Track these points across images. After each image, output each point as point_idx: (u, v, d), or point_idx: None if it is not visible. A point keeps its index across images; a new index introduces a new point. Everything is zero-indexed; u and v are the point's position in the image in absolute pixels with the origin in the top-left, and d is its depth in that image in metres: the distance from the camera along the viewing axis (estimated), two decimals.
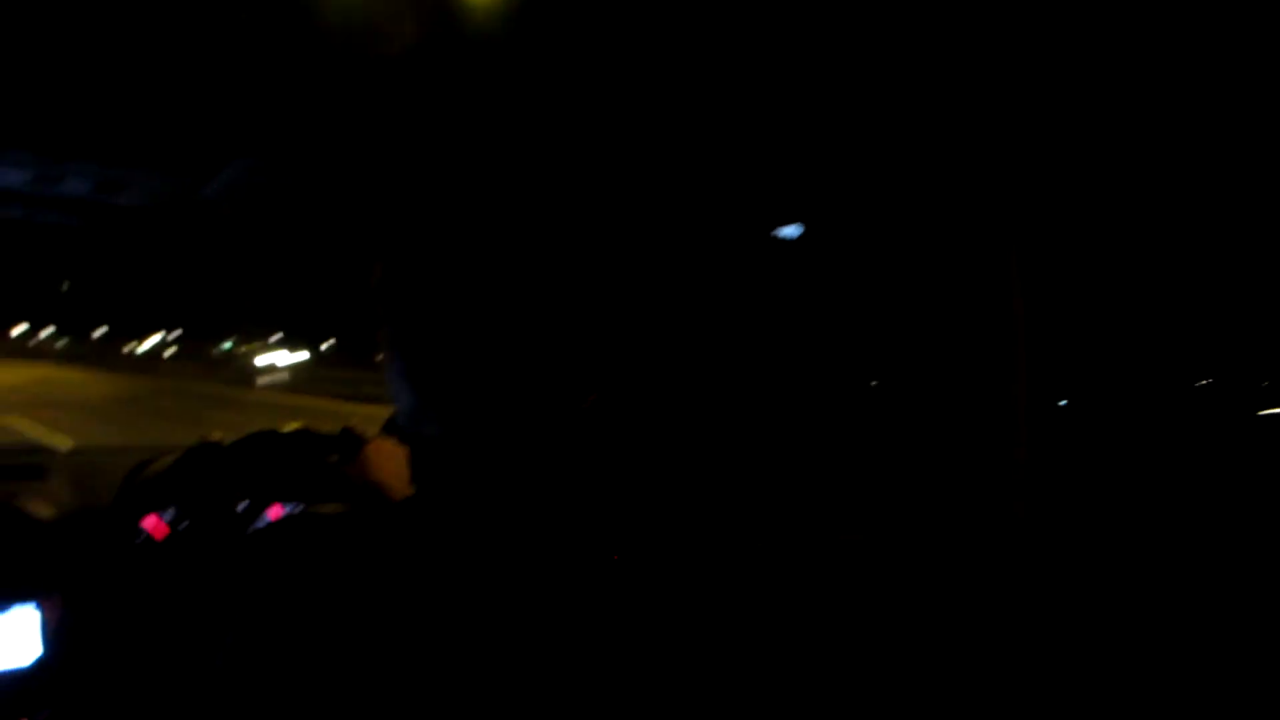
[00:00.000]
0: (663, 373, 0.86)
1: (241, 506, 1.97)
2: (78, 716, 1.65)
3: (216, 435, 1.87)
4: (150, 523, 1.86)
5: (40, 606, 1.67)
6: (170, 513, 1.89)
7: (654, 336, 0.84)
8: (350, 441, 1.83)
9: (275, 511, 2.03)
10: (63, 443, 2.24)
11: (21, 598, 1.66)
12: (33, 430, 12.38)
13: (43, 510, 1.73)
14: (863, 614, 0.80)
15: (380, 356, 0.79)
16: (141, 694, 1.64)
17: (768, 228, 0.99)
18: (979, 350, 0.92)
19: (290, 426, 1.89)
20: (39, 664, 1.65)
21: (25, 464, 1.84)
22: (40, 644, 1.66)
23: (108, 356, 49.01)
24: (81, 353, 53.32)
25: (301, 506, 2.07)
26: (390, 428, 2.23)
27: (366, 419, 1.96)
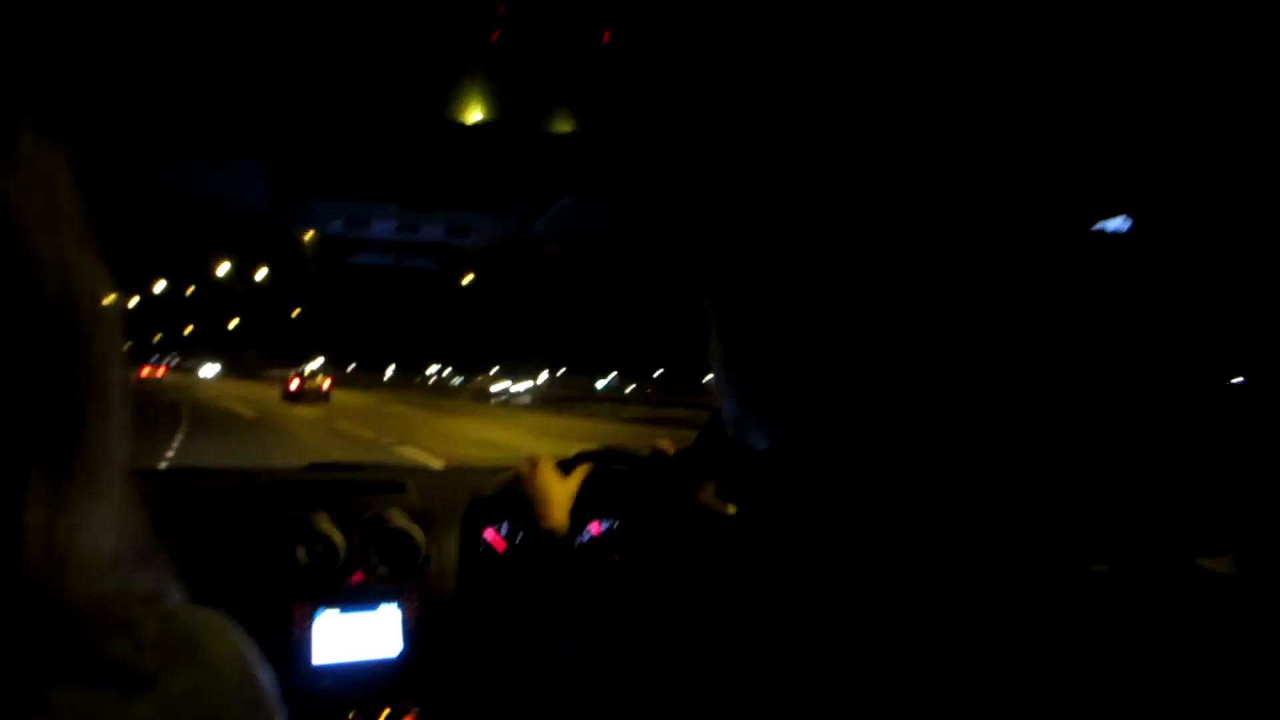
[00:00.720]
0: (983, 387, 0.79)
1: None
2: (433, 705, 1.85)
3: (543, 458, 2.02)
4: (489, 535, 2.06)
5: (402, 605, 1.90)
6: (505, 527, 2.07)
7: (975, 348, 0.78)
8: (660, 460, 1.91)
9: (595, 527, 2.16)
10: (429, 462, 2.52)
11: (387, 598, 1.89)
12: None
13: (401, 521, 1.95)
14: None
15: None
16: (488, 688, 1.81)
17: (1089, 221, 0.88)
18: None
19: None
20: (400, 657, 1.86)
21: (387, 480, 2.10)
22: (401, 639, 1.87)
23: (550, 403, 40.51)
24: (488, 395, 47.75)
25: (616, 523, 2.20)
26: (700, 445, 2.30)
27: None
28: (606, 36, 1.24)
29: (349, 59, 1.14)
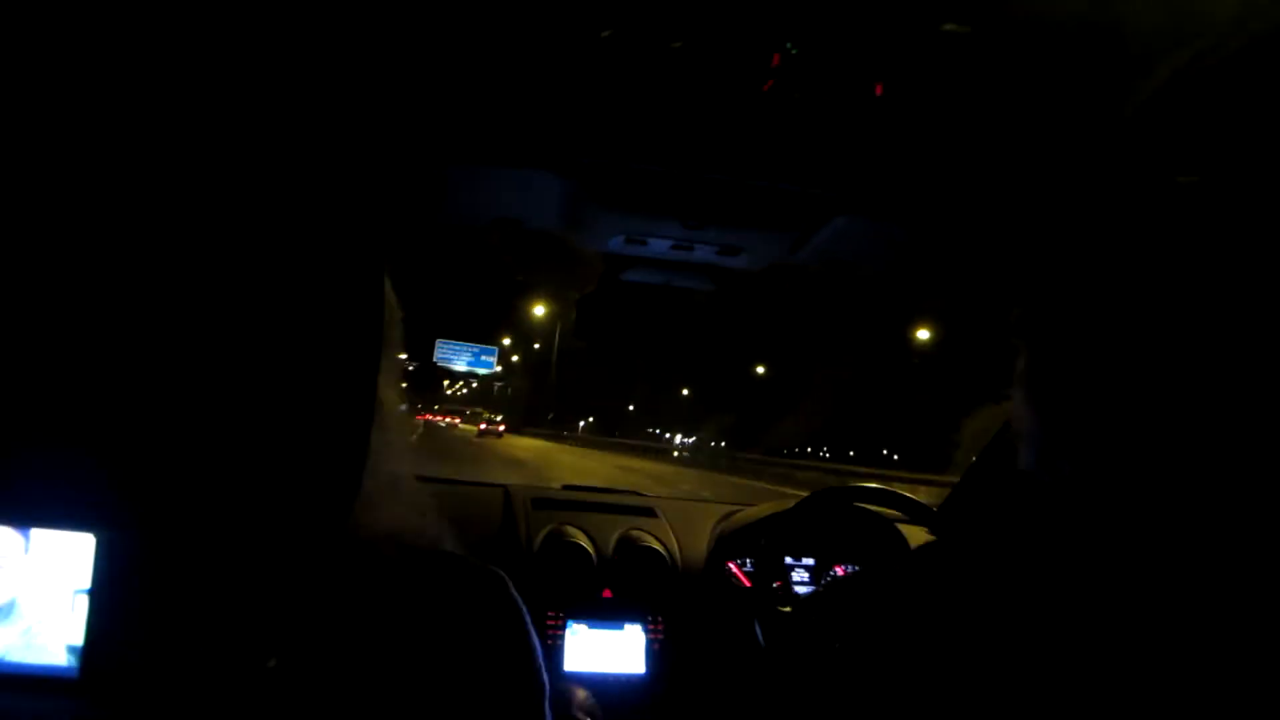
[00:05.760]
0: None
1: (809, 562, 2.08)
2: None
3: (789, 502, 2.01)
4: (733, 568, 2.06)
5: (647, 627, 1.92)
6: (748, 563, 2.06)
7: None
8: (905, 504, 1.84)
9: (839, 570, 2.10)
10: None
11: (633, 618, 1.93)
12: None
13: (651, 543, 1.99)
14: None
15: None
16: (726, 709, 1.80)
17: None
18: None
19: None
20: (643, 677, 1.88)
21: (639, 505, 2.16)
22: (645, 659, 1.90)
23: None
24: None
25: (857, 567, 2.13)
26: (960, 490, 2.18)
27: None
28: (879, 89, 1.24)
29: (645, 90, 1.22)
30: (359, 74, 1.08)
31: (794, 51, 1.21)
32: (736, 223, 1.43)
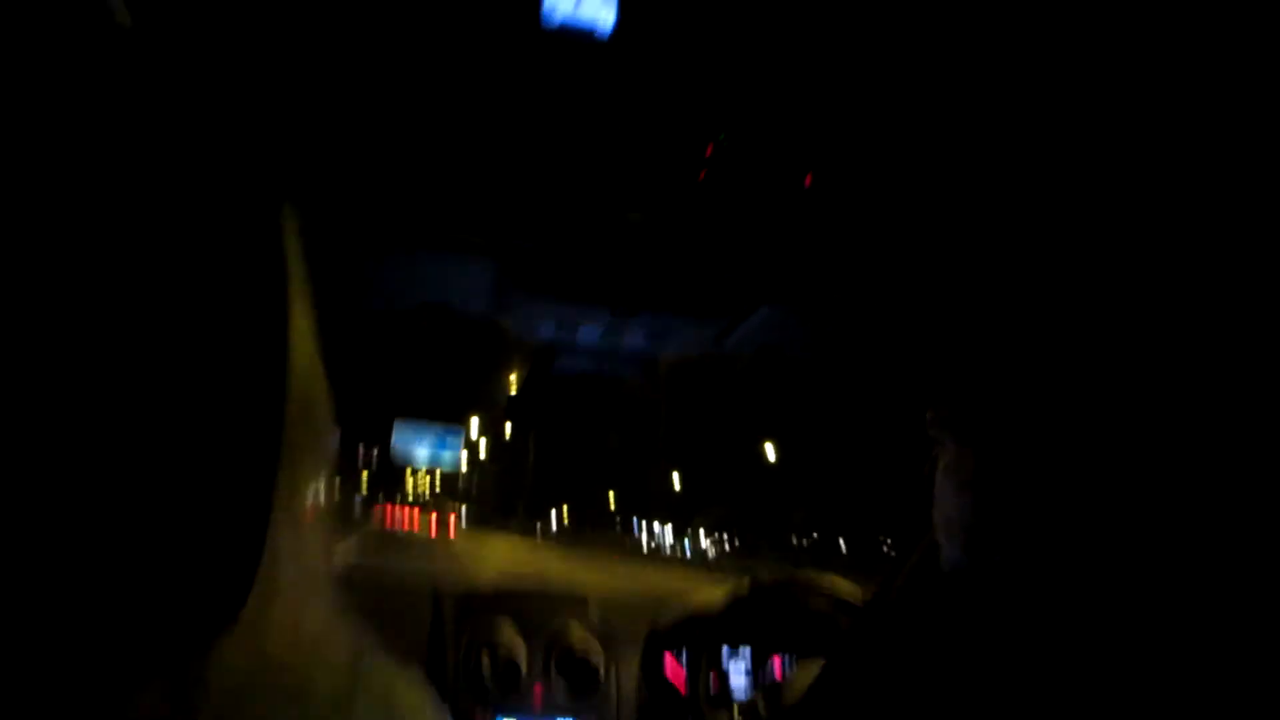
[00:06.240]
0: None
1: (747, 652, 2.04)
2: None
3: (721, 592, 1.99)
4: (669, 663, 2.01)
5: None
6: (684, 655, 2.02)
7: None
8: (832, 600, 1.83)
9: (775, 662, 2.07)
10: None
11: (565, 715, 1.86)
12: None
13: (581, 637, 1.94)
14: None
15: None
16: None
17: None
18: None
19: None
20: None
21: (570, 597, 2.11)
22: None
23: None
24: None
25: (794, 657, 2.10)
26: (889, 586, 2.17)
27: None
28: (809, 180, 1.28)
29: (578, 180, 1.24)
30: (269, 149, 1.08)
31: (726, 142, 1.24)
32: (664, 310, 1.45)
